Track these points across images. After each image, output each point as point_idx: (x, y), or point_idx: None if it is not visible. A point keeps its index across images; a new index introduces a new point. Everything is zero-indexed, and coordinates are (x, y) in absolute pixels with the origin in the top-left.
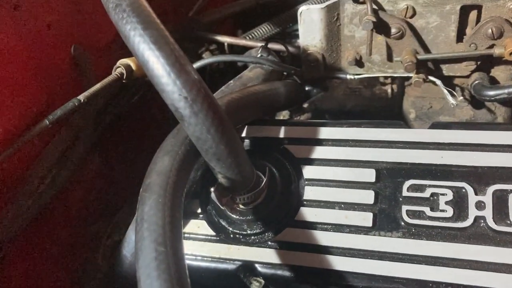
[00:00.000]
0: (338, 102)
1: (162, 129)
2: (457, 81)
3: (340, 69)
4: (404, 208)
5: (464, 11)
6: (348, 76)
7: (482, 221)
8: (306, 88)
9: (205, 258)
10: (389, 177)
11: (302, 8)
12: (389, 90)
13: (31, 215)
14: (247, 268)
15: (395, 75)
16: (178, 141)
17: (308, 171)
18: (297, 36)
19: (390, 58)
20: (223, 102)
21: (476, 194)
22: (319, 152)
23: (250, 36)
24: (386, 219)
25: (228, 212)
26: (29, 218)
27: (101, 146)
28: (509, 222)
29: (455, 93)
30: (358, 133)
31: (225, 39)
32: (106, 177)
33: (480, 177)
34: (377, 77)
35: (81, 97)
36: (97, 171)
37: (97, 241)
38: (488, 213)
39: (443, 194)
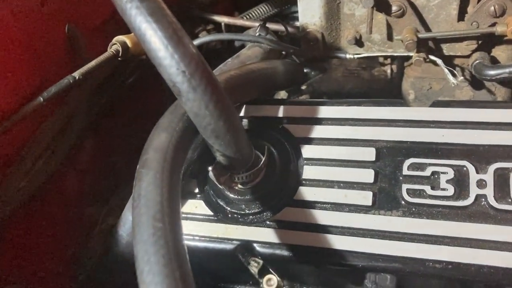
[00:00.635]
0: (337, 84)
1: (158, 111)
2: (457, 61)
3: (339, 49)
4: (405, 186)
5: None
6: (348, 56)
7: (483, 199)
8: (305, 70)
9: (203, 238)
10: (389, 156)
11: None
12: (388, 71)
13: (25, 196)
14: (246, 247)
15: (395, 54)
16: (176, 118)
17: (307, 150)
18: (295, 18)
19: (390, 37)
20: (221, 79)
21: (477, 172)
22: (318, 131)
23: (248, 16)
24: (386, 198)
25: (226, 192)
26: (24, 199)
27: (97, 127)
28: (510, 200)
29: (455, 72)
30: (357, 112)
31: (223, 19)
32: (102, 159)
33: (481, 155)
34: (377, 58)
35: (76, 74)
36: (92, 154)
37: (92, 225)
38: (489, 191)
39: (444, 173)
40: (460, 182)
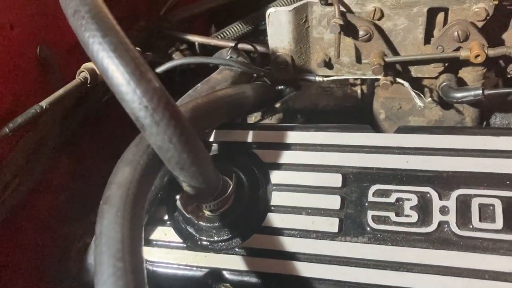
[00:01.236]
0: (310, 101)
1: (135, 129)
2: (426, 82)
3: (309, 71)
4: (370, 213)
5: (432, 14)
6: (317, 78)
7: (446, 226)
8: (279, 88)
9: (173, 266)
10: (355, 182)
11: (270, 10)
12: (359, 91)
13: None
14: (215, 275)
15: (364, 77)
16: (140, 150)
17: (276, 176)
18: None
19: (359, 60)
20: (188, 108)
21: (440, 199)
22: (287, 156)
23: (222, 35)
24: (352, 225)
25: (195, 220)
26: None
27: (73, 146)
28: (471, 226)
29: (422, 95)
30: (325, 137)
31: (196, 39)
32: (79, 177)
33: (444, 181)
34: (347, 79)
35: (43, 103)
36: (68, 172)
37: (69, 244)
38: (451, 218)
39: (408, 199)
40: (424, 208)
